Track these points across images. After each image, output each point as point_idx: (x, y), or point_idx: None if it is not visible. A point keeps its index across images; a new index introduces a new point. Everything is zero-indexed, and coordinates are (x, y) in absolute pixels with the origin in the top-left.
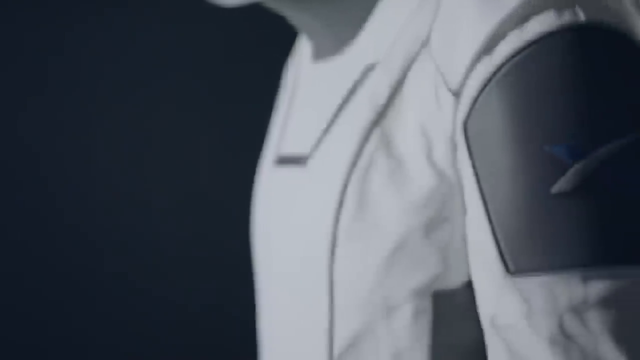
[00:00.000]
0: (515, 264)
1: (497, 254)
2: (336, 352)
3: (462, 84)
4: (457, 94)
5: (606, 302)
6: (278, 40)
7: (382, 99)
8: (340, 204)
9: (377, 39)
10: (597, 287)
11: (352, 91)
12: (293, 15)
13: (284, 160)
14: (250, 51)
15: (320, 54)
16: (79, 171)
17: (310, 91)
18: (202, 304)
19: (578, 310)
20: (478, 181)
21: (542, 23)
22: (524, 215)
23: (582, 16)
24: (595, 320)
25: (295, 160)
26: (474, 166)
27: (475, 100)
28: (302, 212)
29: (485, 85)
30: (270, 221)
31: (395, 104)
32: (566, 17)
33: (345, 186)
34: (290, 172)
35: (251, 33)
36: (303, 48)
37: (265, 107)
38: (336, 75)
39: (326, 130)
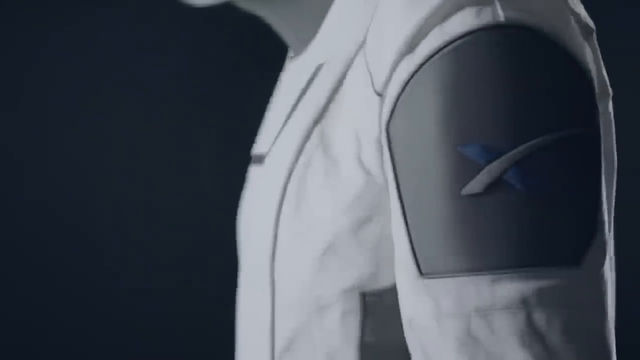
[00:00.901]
0: (427, 265)
1: (412, 255)
2: (277, 350)
3: (386, 84)
4: (381, 95)
5: (513, 306)
6: (280, 40)
7: (322, 99)
8: (281, 202)
9: (328, 39)
10: (505, 291)
11: (304, 90)
12: (262, 16)
13: (255, 160)
14: (251, 51)
15: (292, 53)
16: (78, 171)
17: (279, 90)
18: (202, 303)
19: (485, 313)
20: (397, 182)
21: (461, 22)
22: (435, 217)
23: (501, 15)
24: (502, 323)
25: (259, 159)
26: (394, 167)
27: (396, 101)
28: (257, 211)
29: (405, 85)
30: (242, 220)
31: (334, 104)
32: (485, 17)
33: (286, 185)
34: (255, 171)
35: (252, 33)
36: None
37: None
38: (296, 75)
39: (280, 130)
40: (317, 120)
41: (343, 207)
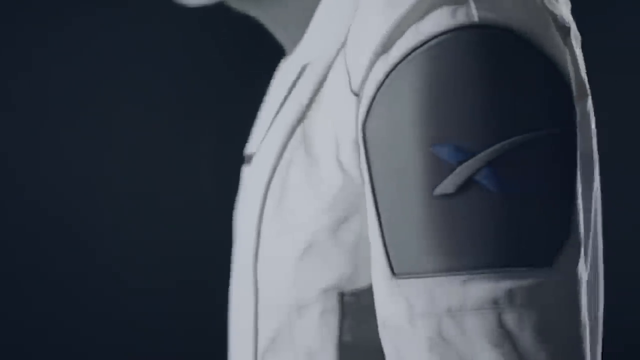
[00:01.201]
0: (400, 266)
1: (385, 255)
2: (259, 350)
3: (362, 84)
4: (358, 95)
5: (484, 306)
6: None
7: (305, 99)
8: (264, 202)
9: (314, 39)
10: (476, 291)
11: (290, 90)
12: (253, 16)
13: (246, 159)
14: (253, 50)
15: (285, 52)
16: (77, 171)
17: (271, 90)
18: (202, 303)
19: (457, 313)
20: (372, 182)
21: (435, 22)
22: (407, 217)
23: (475, 15)
24: (473, 324)
25: (249, 158)
26: (369, 167)
27: (372, 101)
28: (244, 210)
29: (381, 85)
30: (236, 220)
31: (316, 104)
32: (460, 16)
33: (268, 184)
34: (246, 171)
35: (252, 32)
36: None
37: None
38: (285, 74)
39: (267, 129)
40: (299, 120)
41: (322, 207)
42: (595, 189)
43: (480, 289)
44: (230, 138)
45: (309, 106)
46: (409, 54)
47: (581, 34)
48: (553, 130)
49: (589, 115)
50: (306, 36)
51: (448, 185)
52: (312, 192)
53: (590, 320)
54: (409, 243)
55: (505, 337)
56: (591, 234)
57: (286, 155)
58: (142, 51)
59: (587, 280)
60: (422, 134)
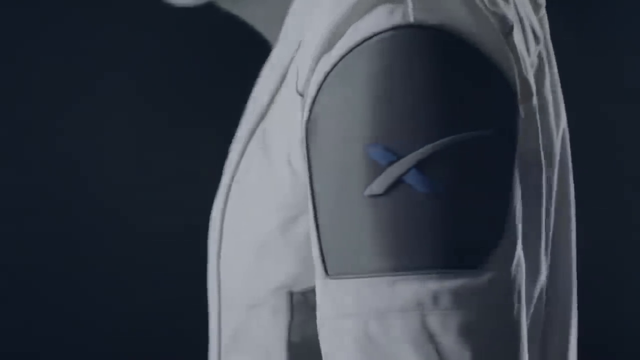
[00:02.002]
0: (332, 266)
1: (320, 255)
2: (223, 348)
3: (307, 84)
4: (302, 95)
5: (409, 308)
6: None
7: (266, 99)
8: (226, 201)
9: (282, 40)
10: (402, 293)
11: (256, 90)
12: (240, 15)
13: None
14: (254, 49)
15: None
16: (75, 171)
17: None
18: (201, 303)
19: (383, 315)
20: (311, 182)
21: (373, 21)
22: (339, 217)
23: (411, 15)
24: (398, 325)
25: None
26: (309, 167)
27: (313, 101)
28: (214, 209)
29: (321, 85)
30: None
31: (274, 104)
32: (396, 16)
33: (230, 184)
34: None
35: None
36: None
37: None
38: (263, 74)
39: (239, 129)
40: (259, 121)
41: (274, 206)
42: (555, 188)
43: (406, 290)
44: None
45: (268, 106)
46: (347, 54)
47: (581, 34)
48: (486, 131)
49: (535, 114)
50: (281, 35)
51: (378, 185)
52: (265, 192)
53: (538, 320)
54: (341, 244)
55: (428, 339)
56: (551, 234)
57: (246, 157)
58: (140, 51)
59: (541, 281)
60: (354, 135)
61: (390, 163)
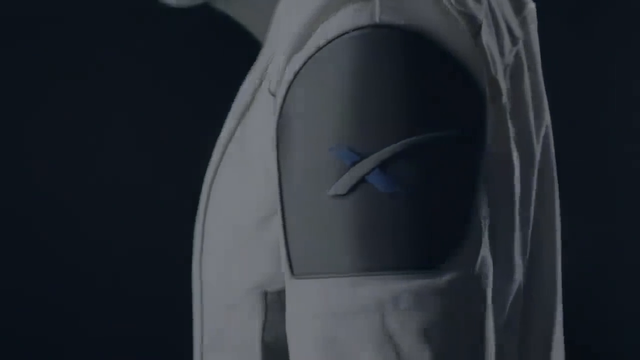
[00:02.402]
0: (297, 266)
1: (287, 255)
2: (204, 348)
3: (278, 85)
4: (274, 95)
5: (369, 309)
6: None
7: (247, 98)
8: (208, 200)
9: (266, 42)
10: (363, 293)
11: (239, 92)
12: (230, 14)
13: None
14: (249, 51)
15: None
16: (74, 171)
17: None
18: None
19: (344, 315)
20: (280, 182)
21: (340, 21)
22: (303, 217)
23: (376, 16)
24: (358, 326)
25: None
26: (278, 167)
27: (283, 102)
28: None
29: (290, 86)
30: None
31: (253, 104)
32: (363, 17)
33: (211, 184)
34: None
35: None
36: None
37: None
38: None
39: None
40: (240, 119)
41: (250, 206)
42: (534, 188)
43: (367, 291)
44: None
45: (248, 107)
46: (314, 53)
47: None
48: (451, 131)
49: (505, 114)
50: (267, 35)
51: (341, 185)
52: (243, 192)
53: (514, 320)
54: (306, 243)
55: (387, 340)
56: (530, 233)
57: (227, 154)
58: (140, 50)
59: (516, 281)
60: (320, 135)
61: (354, 163)
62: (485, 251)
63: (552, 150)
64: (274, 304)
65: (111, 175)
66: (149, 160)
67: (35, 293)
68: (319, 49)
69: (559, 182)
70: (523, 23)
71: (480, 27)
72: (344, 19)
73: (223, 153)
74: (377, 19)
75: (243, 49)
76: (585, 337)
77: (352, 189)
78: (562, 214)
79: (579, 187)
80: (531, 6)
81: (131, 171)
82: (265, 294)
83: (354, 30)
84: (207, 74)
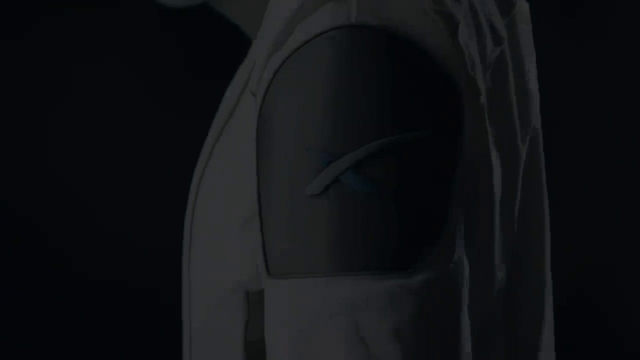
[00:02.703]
0: (273, 266)
1: (263, 254)
2: (193, 345)
3: (258, 83)
4: (255, 94)
5: (342, 310)
6: None
7: (234, 99)
8: (195, 200)
9: (255, 43)
10: (336, 294)
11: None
12: (228, 16)
13: None
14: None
15: None
16: (74, 171)
17: None
18: None
19: (318, 316)
20: (258, 182)
21: (318, 21)
22: (279, 217)
23: (353, 16)
24: (331, 327)
25: None
26: (257, 167)
27: (263, 101)
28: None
29: (269, 85)
30: None
31: (239, 104)
32: (340, 16)
33: (199, 184)
34: None
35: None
36: None
37: None
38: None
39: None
40: (227, 120)
41: (234, 207)
42: (519, 188)
43: (341, 291)
44: None
45: (235, 106)
46: (292, 54)
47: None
48: (425, 131)
49: (483, 113)
50: (257, 36)
51: (316, 185)
52: (226, 192)
53: (493, 320)
54: (282, 243)
55: (359, 341)
56: (514, 233)
57: (213, 158)
58: (140, 50)
59: (497, 281)
60: (296, 135)
61: (329, 163)
62: (460, 251)
63: (541, 150)
64: (256, 304)
65: (103, 174)
66: (140, 159)
67: (25, 289)
68: (296, 49)
69: (558, 183)
70: (511, 23)
71: (457, 26)
72: (322, 20)
73: (210, 153)
74: (353, 20)
75: (239, 49)
76: (585, 337)
77: (327, 189)
78: (562, 214)
79: (579, 187)
80: (523, 6)
81: (123, 170)
82: (248, 294)
83: (330, 30)
84: (203, 75)
